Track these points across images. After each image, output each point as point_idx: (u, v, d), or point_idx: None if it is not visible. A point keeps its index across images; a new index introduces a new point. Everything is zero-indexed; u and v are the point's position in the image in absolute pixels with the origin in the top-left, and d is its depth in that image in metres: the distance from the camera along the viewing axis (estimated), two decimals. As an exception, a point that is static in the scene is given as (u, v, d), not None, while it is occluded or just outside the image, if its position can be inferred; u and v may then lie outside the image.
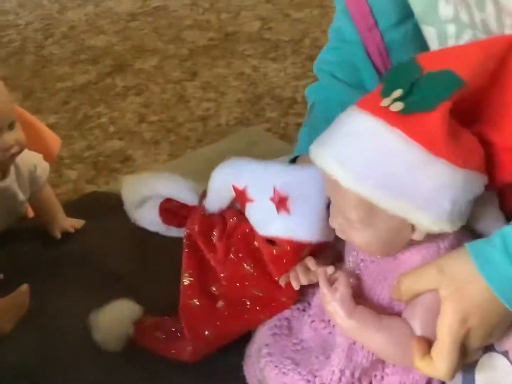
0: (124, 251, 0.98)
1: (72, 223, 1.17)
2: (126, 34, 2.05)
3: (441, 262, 0.60)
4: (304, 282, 0.74)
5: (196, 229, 0.84)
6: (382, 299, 0.68)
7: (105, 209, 1.27)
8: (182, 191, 0.88)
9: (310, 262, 0.73)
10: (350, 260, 0.73)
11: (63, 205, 1.21)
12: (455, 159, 0.60)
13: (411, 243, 0.66)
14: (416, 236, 0.64)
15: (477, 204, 0.65)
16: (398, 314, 0.66)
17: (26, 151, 1.07)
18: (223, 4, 2.23)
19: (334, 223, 0.69)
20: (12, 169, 1.07)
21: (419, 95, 0.61)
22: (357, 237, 0.66)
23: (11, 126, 1.00)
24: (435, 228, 0.62)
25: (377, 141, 0.61)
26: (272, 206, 0.76)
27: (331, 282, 0.68)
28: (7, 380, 0.92)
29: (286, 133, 1.47)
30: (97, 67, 1.87)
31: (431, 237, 0.65)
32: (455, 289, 0.57)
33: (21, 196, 1.10)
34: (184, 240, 0.86)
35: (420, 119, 0.60)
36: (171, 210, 0.88)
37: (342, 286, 0.66)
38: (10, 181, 1.07)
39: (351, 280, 0.69)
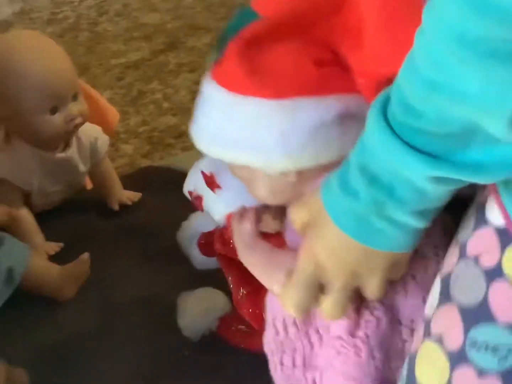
0: (179, 224, 0.99)
1: (129, 196, 1.19)
2: (178, 12, 2.05)
3: (308, 197, 0.55)
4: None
5: (220, 247, 0.86)
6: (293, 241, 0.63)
7: (161, 183, 1.28)
8: (200, 223, 0.91)
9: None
10: None
11: (120, 178, 1.23)
12: (262, 93, 0.57)
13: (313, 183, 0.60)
14: (290, 178, 0.60)
15: None
16: None
17: (87, 123, 1.09)
18: (275, -17, 2.22)
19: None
20: (74, 140, 1.10)
21: (224, 40, 0.60)
22: (253, 194, 0.65)
23: (74, 97, 1.02)
24: (279, 167, 0.58)
25: (205, 97, 0.61)
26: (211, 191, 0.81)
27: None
28: (65, 347, 0.95)
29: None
30: (150, 44, 1.88)
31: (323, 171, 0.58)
32: (311, 220, 0.53)
33: (82, 167, 1.13)
34: (218, 261, 0.89)
35: (222, 64, 0.59)
36: (206, 242, 0.91)
37: (246, 220, 0.66)
38: (72, 152, 1.10)
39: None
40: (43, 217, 1.13)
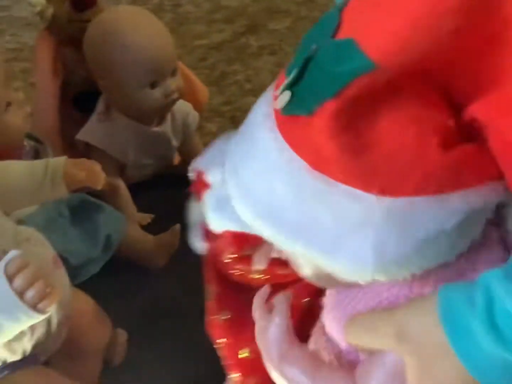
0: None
1: (217, 172, 1.21)
2: (260, -4, 2.07)
3: (401, 321, 0.41)
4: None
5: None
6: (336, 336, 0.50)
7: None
8: None
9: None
10: None
11: (206, 155, 1.26)
12: (364, 186, 0.39)
13: None
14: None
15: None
16: (352, 361, 0.48)
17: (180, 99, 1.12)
18: (355, -32, 2.21)
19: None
20: (168, 115, 1.13)
21: (306, 84, 0.41)
22: (293, 266, 0.49)
23: (173, 73, 1.05)
24: (361, 277, 0.42)
25: (262, 150, 0.43)
26: None
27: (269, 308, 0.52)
28: (158, 312, 0.99)
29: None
30: (232, 27, 1.90)
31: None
32: (422, 363, 0.40)
33: (174, 142, 1.16)
34: None
35: (303, 122, 0.40)
36: None
37: (277, 315, 0.50)
38: (166, 127, 1.13)
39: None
40: (135, 189, 1.18)
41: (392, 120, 0.39)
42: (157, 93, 1.03)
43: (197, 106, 1.21)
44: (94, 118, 1.09)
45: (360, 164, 0.39)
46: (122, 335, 0.90)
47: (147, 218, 1.12)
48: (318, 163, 0.40)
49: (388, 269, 0.41)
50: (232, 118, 1.49)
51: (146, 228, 1.11)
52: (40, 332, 0.71)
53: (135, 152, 1.12)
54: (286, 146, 0.42)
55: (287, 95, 0.42)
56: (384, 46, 0.37)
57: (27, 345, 0.71)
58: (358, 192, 0.39)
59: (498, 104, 0.37)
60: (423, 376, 0.41)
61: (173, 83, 1.04)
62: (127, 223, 1.04)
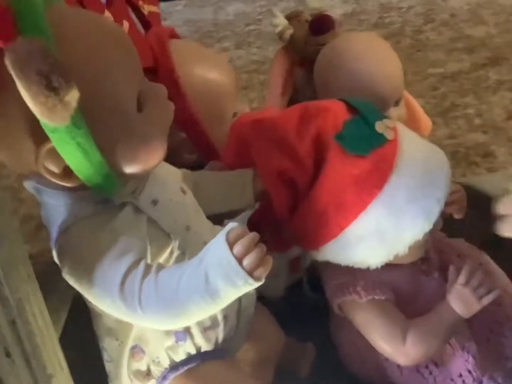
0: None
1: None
2: (507, 27, 1.97)
3: None
4: None
5: None
6: None
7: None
8: None
9: None
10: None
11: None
12: None
13: None
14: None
15: None
16: None
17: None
18: None
19: None
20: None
21: None
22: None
23: (397, 103, 1.04)
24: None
25: None
26: None
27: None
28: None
29: None
30: (472, 57, 1.84)
31: None
32: None
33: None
34: None
35: None
36: None
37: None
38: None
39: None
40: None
41: None
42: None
43: (418, 137, 1.19)
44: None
45: None
46: (311, 349, 0.93)
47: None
48: None
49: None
50: (454, 153, 1.45)
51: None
52: (231, 324, 0.75)
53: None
54: None
55: None
56: None
57: (220, 335, 0.76)
58: None
59: None
60: None
61: (394, 113, 1.03)
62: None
